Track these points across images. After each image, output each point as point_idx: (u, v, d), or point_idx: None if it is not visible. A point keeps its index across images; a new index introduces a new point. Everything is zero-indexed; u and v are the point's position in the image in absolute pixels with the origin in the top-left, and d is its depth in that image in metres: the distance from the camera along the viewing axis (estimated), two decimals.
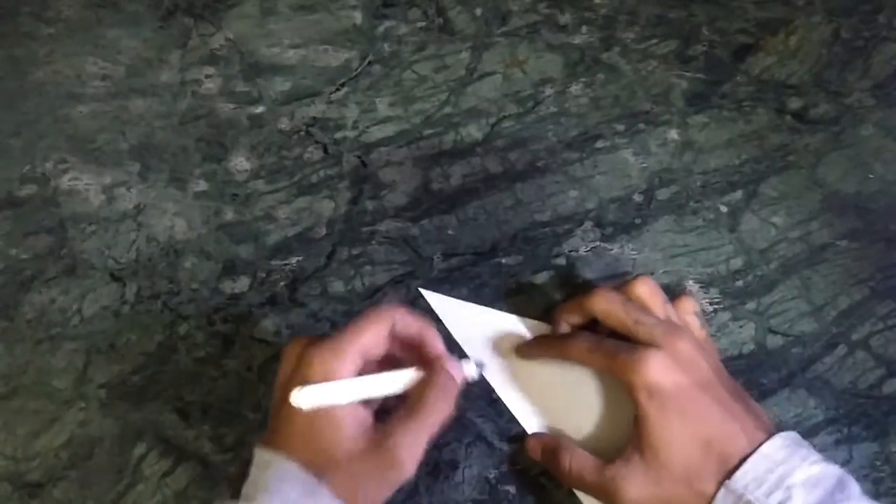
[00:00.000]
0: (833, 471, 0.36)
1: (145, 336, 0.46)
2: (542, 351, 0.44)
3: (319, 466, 0.34)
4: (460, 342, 0.45)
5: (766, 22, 0.57)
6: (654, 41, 0.56)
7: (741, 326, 0.48)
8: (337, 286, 0.48)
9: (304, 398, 0.34)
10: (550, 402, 0.44)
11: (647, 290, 0.41)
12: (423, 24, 0.55)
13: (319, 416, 0.35)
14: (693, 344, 0.39)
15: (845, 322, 0.48)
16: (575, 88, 0.54)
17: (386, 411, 0.37)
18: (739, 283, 0.49)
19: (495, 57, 0.54)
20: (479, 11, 0.56)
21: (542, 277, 0.49)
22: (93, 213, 0.49)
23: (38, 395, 0.45)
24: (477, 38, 0.55)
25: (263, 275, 0.48)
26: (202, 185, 0.50)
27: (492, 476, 0.43)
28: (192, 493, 0.43)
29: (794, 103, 0.54)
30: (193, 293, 0.47)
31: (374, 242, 0.49)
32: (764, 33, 0.56)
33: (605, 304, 0.41)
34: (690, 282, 0.49)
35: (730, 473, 0.36)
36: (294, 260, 0.48)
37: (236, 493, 0.35)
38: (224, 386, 0.45)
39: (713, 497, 0.36)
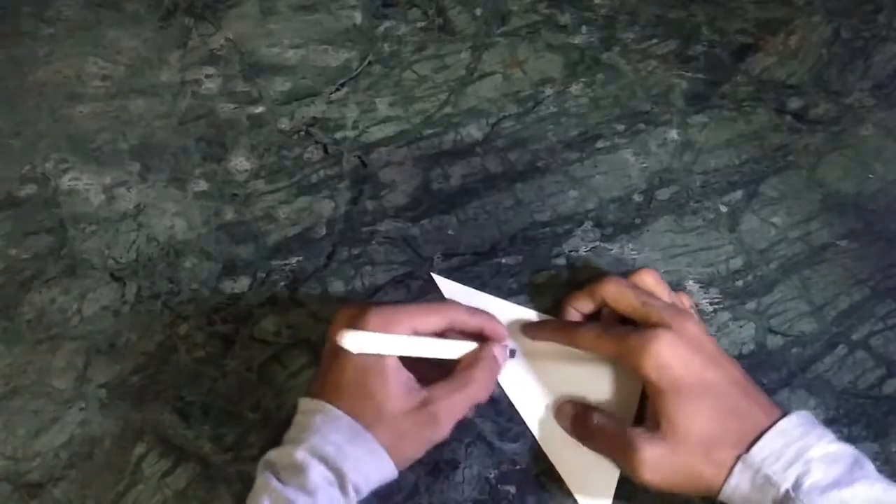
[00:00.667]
0: (849, 450, 0.36)
1: (145, 336, 0.46)
2: (549, 335, 0.44)
3: (366, 418, 0.36)
4: None
5: (766, 22, 0.57)
6: (654, 41, 0.56)
7: (741, 326, 0.48)
8: (337, 286, 0.48)
9: (353, 341, 0.36)
10: (553, 392, 0.44)
11: (652, 280, 0.43)
12: (423, 24, 0.55)
13: (370, 371, 0.37)
14: (699, 325, 0.40)
15: (845, 322, 0.48)
16: (575, 88, 0.54)
17: (429, 381, 0.39)
18: (739, 282, 0.49)
19: (495, 57, 0.54)
20: (479, 11, 0.56)
21: (542, 277, 0.49)
22: (93, 213, 0.49)
23: (39, 395, 0.45)
24: (477, 38, 0.55)
25: (263, 275, 0.48)
26: (202, 185, 0.50)
27: (492, 476, 0.43)
28: (192, 493, 0.43)
29: (794, 103, 0.54)
30: (193, 293, 0.47)
31: (374, 242, 0.49)
32: (764, 33, 0.56)
33: (614, 288, 0.42)
34: (690, 282, 0.49)
35: (747, 447, 0.36)
36: (294, 260, 0.48)
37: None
38: (224, 386, 0.45)
39: (731, 469, 0.36)
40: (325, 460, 0.35)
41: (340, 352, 0.37)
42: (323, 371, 0.39)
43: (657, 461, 0.38)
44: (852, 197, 0.52)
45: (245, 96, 0.52)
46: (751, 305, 0.49)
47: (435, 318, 0.39)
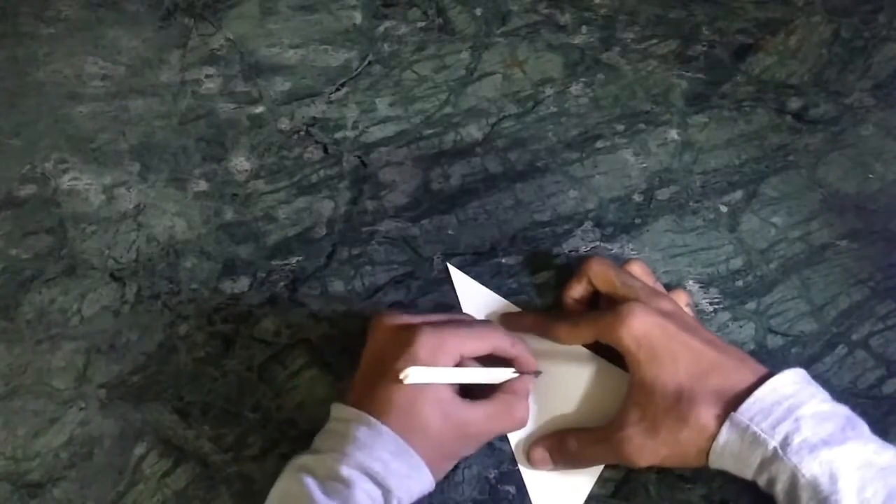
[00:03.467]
0: (842, 409, 0.36)
1: (145, 336, 0.46)
2: (527, 328, 0.44)
3: (413, 436, 0.36)
4: None
5: (766, 22, 0.57)
6: (654, 41, 0.56)
7: (741, 326, 0.48)
8: (337, 286, 0.48)
9: (413, 375, 0.36)
10: (544, 399, 0.44)
11: (639, 269, 0.44)
12: (423, 24, 0.55)
13: (426, 396, 0.37)
14: (675, 304, 0.41)
15: (845, 322, 0.48)
16: (575, 88, 0.54)
17: (466, 392, 0.40)
18: (739, 283, 0.49)
19: (495, 57, 0.54)
20: (478, 11, 0.56)
21: (542, 277, 0.49)
22: (93, 213, 0.49)
23: (38, 395, 0.45)
24: (477, 38, 0.55)
25: (263, 275, 0.48)
26: (202, 185, 0.50)
27: (492, 476, 0.43)
28: (192, 493, 0.43)
29: (795, 103, 0.54)
30: (193, 293, 0.47)
31: (374, 242, 0.49)
32: (764, 33, 0.56)
33: (597, 266, 0.43)
34: (690, 282, 0.49)
35: (733, 405, 0.36)
36: (294, 260, 0.48)
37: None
38: (224, 386, 0.45)
39: (718, 429, 0.36)
40: (372, 477, 0.35)
41: (391, 370, 0.37)
42: (367, 382, 0.39)
43: (640, 440, 0.38)
44: (852, 197, 0.52)
45: (245, 96, 0.52)
46: (751, 305, 0.49)
47: (481, 345, 0.40)
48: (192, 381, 0.45)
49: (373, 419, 0.36)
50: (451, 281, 0.48)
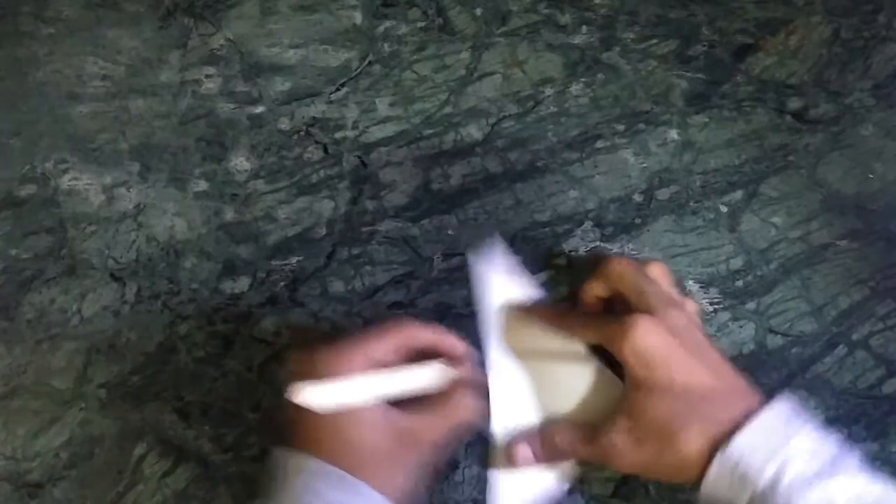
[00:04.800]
0: (832, 442, 0.35)
1: (145, 336, 0.46)
2: (541, 318, 0.44)
3: (350, 465, 0.35)
4: (479, 306, 0.45)
5: (766, 22, 0.57)
6: (654, 41, 0.56)
7: (741, 326, 0.48)
8: (337, 286, 0.48)
9: (304, 394, 0.34)
10: (538, 391, 0.44)
11: (659, 271, 0.43)
12: (423, 24, 0.55)
13: (341, 416, 0.35)
14: (688, 317, 0.40)
15: (845, 322, 0.48)
16: (575, 88, 0.54)
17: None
18: (739, 283, 0.49)
19: (495, 57, 0.54)
20: (478, 11, 0.56)
21: (541, 277, 0.49)
22: (93, 213, 0.49)
23: (39, 395, 0.45)
24: (477, 38, 0.55)
25: (263, 275, 0.48)
26: (202, 185, 0.50)
27: None
28: (192, 493, 0.43)
29: (794, 103, 0.54)
30: (193, 293, 0.47)
31: (374, 242, 0.49)
32: (764, 33, 0.56)
33: (618, 267, 0.42)
34: (690, 282, 0.49)
35: (723, 438, 0.35)
36: (294, 260, 0.48)
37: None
38: (224, 386, 0.45)
39: (706, 465, 0.35)
40: None
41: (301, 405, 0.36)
42: (291, 423, 0.37)
43: (624, 448, 0.38)
44: (852, 197, 0.52)
45: (245, 96, 0.52)
46: (751, 305, 0.49)
47: (387, 340, 0.38)
48: (192, 381, 0.45)
49: (306, 457, 0.35)
50: (468, 271, 0.46)
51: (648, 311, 0.39)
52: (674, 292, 0.43)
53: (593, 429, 0.40)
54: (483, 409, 0.39)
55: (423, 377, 0.38)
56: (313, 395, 0.35)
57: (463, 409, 0.39)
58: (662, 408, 0.37)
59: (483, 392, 0.40)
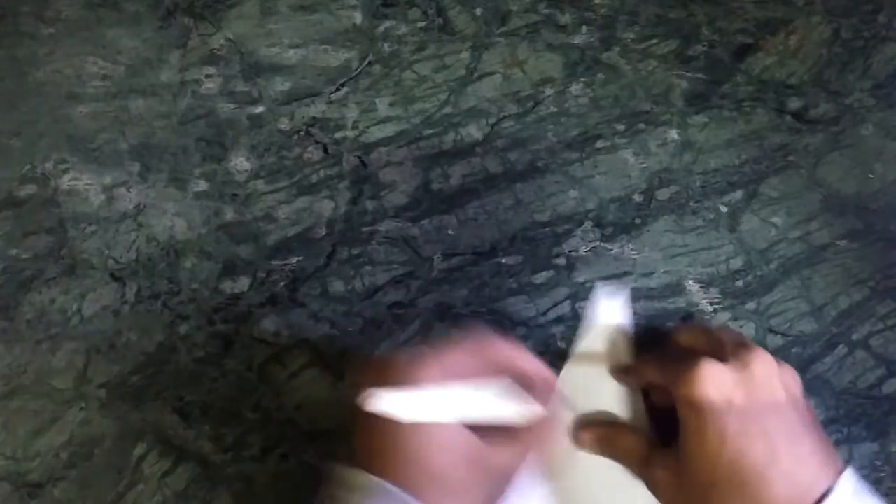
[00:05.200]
0: None
1: (145, 336, 0.46)
2: (622, 377, 0.42)
3: (417, 488, 0.31)
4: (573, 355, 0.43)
5: (766, 22, 0.57)
6: (654, 41, 0.56)
7: (741, 327, 0.48)
8: (337, 286, 0.48)
9: (376, 400, 0.31)
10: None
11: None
12: (423, 24, 0.55)
13: (413, 432, 0.32)
14: (770, 369, 0.35)
15: (845, 322, 0.48)
16: (575, 88, 0.54)
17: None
18: (739, 283, 0.49)
19: (495, 57, 0.54)
20: (478, 11, 0.56)
21: (541, 277, 0.49)
22: (93, 213, 0.49)
23: (39, 396, 0.45)
24: (477, 38, 0.55)
25: (263, 275, 0.48)
26: (202, 185, 0.50)
27: None
28: (192, 494, 0.43)
29: (794, 103, 0.54)
30: (193, 293, 0.47)
31: (374, 242, 0.49)
32: (764, 33, 0.56)
33: (687, 333, 0.40)
34: (690, 282, 0.49)
35: None
36: (294, 260, 0.48)
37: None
38: (224, 386, 0.45)
39: None
40: None
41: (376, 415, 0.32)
42: (365, 435, 0.33)
43: (666, 487, 0.36)
44: (852, 197, 0.52)
45: (245, 96, 0.52)
46: (751, 305, 0.49)
47: (469, 354, 0.34)
48: (192, 381, 0.45)
49: (377, 480, 0.31)
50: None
51: (719, 358, 0.35)
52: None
53: (652, 450, 0.38)
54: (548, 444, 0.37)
55: (509, 410, 0.34)
56: (390, 404, 0.31)
57: (552, 444, 0.36)
58: (707, 468, 0.34)
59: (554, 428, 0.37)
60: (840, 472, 0.34)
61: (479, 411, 0.33)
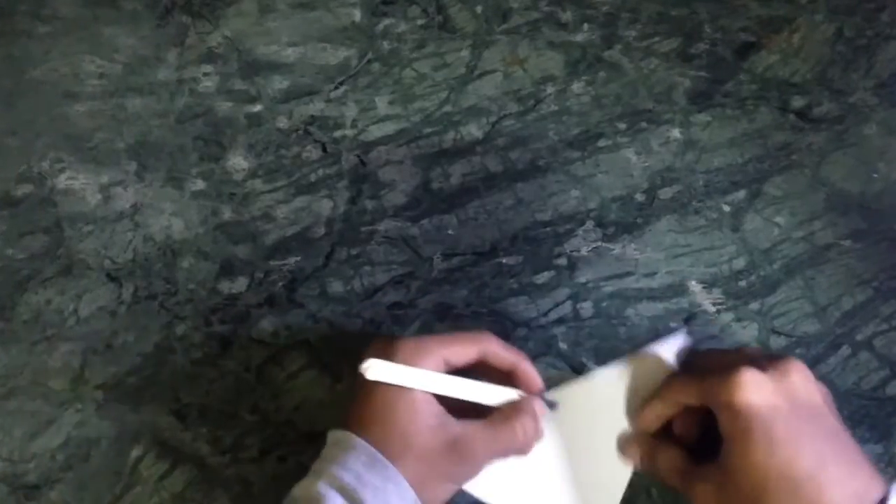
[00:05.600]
0: None
1: (142, 337, 0.46)
2: (657, 411, 0.40)
3: (391, 449, 0.34)
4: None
5: (768, 20, 0.56)
6: (657, 39, 0.55)
7: (744, 327, 0.48)
8: (336, 286, 0.47)
9: (377, 370, 0.35)
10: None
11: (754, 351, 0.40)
12: (423, 21, 0.55)
13: (398, 402, 0.35)
14: (808, 376, 0.36)
15: (849, 323, 0.48)
16: (576, 87, 0.54)
17: (463, 412, 0.37)
18: (742, 283, 0.49)
19: (496, 55, 0.54)
20: (479, 9, 0.55)
21: (543, 277, 0.48)
22: (89, 212, 0.48)
23: (35, 397, 0.44)
24: (477, 35, 0.54)
25: (261, 275, 0.47)
26: (199, 185, 0.49)
27: None
28: (190, 496, 0.43)
29: (798, 102, 0.54)
30: (191, 293, 0.47)
31: (373, 242, 0.49)
32: (767, 31, 0.56)
33: (712, 355, 0.40)
34: (693, 282, 0.49)
35: None
36: (292, 260, 0.48)
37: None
38: (221, 387, 0.45)
39: None
40: (343, 490, 0.33)
41: (367, 382, 0.36)
42: (351, 402, 0.38)
43: (708, 498, 0.35)
44: (856, 196, 0.52)
45: (243, 95, 0.52)
46: (754, 306, 0.48)
47: (467, 349, 0.38)
48: (190, 382, 0.45)
49: (349, 433, 0.35)
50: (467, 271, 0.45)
51: (759, 368, 0.35)
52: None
53: (694, 468, 0.37)
54: (535, 443, 0.39)
55: (492, 394, 0.38)
56: (383, 373, 0.35)
57: (520, 434, 0.37)
58: (756, 477, 0.33)
59: (539, 428, 0.39)
60: (889, 482, 0.33)
61: (464, 392, 0.37)
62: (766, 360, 0.36)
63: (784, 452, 0.33)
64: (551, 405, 0.40)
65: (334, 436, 0.36)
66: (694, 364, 0.41)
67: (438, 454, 0.35)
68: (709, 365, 0.39)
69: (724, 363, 0.37)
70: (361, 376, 0.37)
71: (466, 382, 0.38)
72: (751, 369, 0.35)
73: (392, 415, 0.35)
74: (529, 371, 0.39)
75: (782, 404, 0.34)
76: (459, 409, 0.37)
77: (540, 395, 0.39)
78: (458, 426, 0.36)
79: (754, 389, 0.34)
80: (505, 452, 0.38)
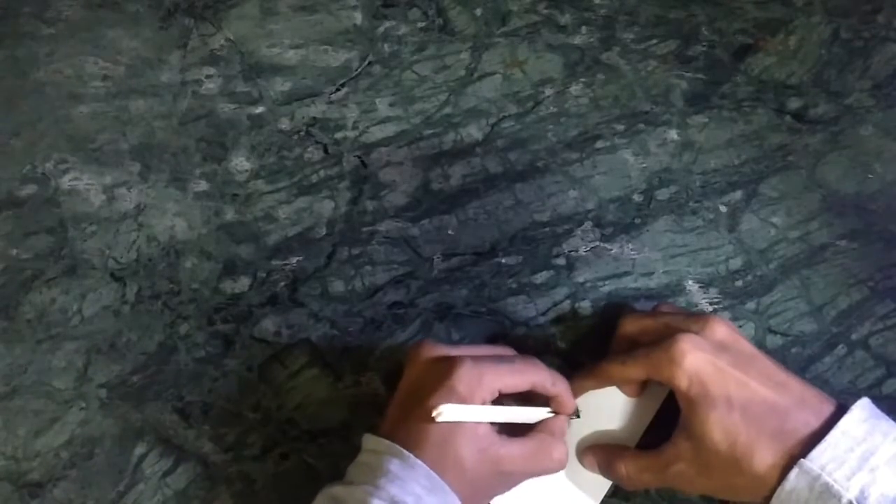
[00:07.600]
0: None
1: (146, 336, 0.46)
2: (587, 384, 0.43)
3: (447, 472, 0.35)
4: None
5: (765, 22, 0.57)
6: (654, 41, 0.56)
7: (741, 326, 0.48)
8: (337, 286, 0.48)
9: (447, 413, 0.35)
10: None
11: (668, 307, 0.42)
12: (423, 24, 0.55)
13: (456, 428, 0.36)
14: (732, 326, 0.38)
15: (845, 322, 0.49)
16: (575, 89, 0.54)
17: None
18: (739, 283, 0.49)
19: (495, 57, 0.54)
20: (479, 12, 0.56)
21: (541, 277, 0.49)
22: (93, 213, 0.49)
23: (39, 395, 0.45)
24: (477, 38, 0.55)
25: (264, 275, 0.48)
26: (202, 185, 0.50)
27: None
28: (193, 493, 0.43)
29: (794, 103, 0.54)
30: (194, 293, 0.47)
31: (374, 242, 0.49)
32: (763, 33, 0.56)
33: (632, 324, 0.42)
34: (690, 282, 0.49)
35: (797, 451, 0.34)
36: (294, 260, 0.48)
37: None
38: (224, 386, 0.45)
39: (780, 479, 0.34)
40: None
41: (427, 404, 0.36)
42: (401, 414, 0.38)
43: (693, 476, 0.36)
44: (852, 197, 0.52)
45: (245, 96, 0.52)
46: (750, 305, 0.49)
47: (520, 381, 0.38)
48: (193, 380, 0.45)
49: (406, 452, 0.35)
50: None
51: (683, 331, 0.37)
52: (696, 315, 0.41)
53: (658, 457, 0.38)
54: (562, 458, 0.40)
55: (529, 415, 0.40)
56: (454, 415, 0.35)
57: (556, 456, 0.39)
58: (725, 428, 0.35)
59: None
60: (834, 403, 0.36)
61: (501, 414, 0.38)
62: (689, 321, 0.38)
63: (741, 399, 0.35)
64: (577, 414, 0.42)
65: (380, 445, 0.36)
66: (621, 335, 0.42)
67: (485, 476, 0.36)
68: (638, 336, 0.41)
69: (654, 332, 0.39)
70: (411, 388, 0.38)
71: (512, 410, 0.39)
72: (684, 335, 0.37)
73: (451, 438, 0.35)
74: (569, 401, 0.40)
75: (723, 358, 0.36)
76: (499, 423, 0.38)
77: (572, 415, 0.41)
78: (502, 448, 0.37)
79: (695, 354, 0.36)
80: (541, 473, 0.39)
